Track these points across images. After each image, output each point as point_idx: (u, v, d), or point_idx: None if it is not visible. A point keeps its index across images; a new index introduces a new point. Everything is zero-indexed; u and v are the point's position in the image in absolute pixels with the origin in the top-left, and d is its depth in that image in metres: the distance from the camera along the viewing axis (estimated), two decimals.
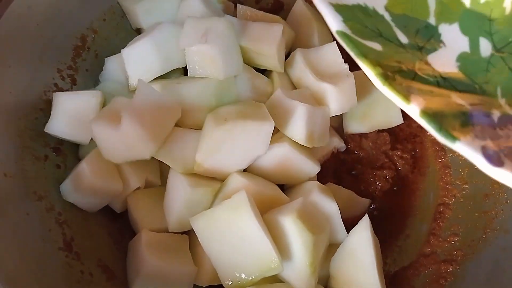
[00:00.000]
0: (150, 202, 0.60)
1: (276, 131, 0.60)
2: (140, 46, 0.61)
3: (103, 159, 0.57)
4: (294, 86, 0.69)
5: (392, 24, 0.45)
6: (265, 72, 0.68)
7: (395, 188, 0.71)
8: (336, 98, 0.64)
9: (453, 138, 0.36)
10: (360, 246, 0.55)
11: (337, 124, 0.72)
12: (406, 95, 0.37)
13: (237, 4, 0.72)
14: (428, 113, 0.36)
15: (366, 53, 0.39)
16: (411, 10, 0.48)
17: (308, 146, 0.61)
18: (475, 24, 0.49)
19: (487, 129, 0.38)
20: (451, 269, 0.62)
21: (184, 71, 0.64)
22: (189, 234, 0.59)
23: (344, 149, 0.71)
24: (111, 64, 0.66)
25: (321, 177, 0.65)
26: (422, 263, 0.65)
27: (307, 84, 0.66)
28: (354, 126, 0.71)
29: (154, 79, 0.62)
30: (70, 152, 0.62)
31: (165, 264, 0.54)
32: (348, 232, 0.58)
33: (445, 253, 0.64)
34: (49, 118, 0.60)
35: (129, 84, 0.63)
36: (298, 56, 0.67)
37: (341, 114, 0.69)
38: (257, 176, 0.60)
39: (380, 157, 0.71)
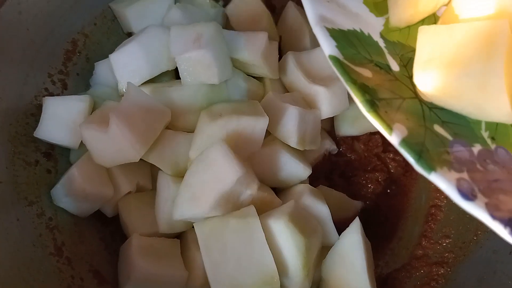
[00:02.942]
0: (141, 206, 0.59)
1: (267, 134, 0.60)
2: (128, 50, 0.61)
3: (94, 163, 0.57)
4: (286, 90, 0.69)
5: (385, 51, 0.46)
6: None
7: (387, 191, 0.71)
8: (328, 101, 0.64)
9: (429, 169, 0.36)
10: (351, 249, 0.55)
11: (329, 126, 0.72)
12: (389, 124, 0.38)
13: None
14: (408, 143, 0.37)
15: (355, 79, 0.40)
16: (406, 38, 0.48)
17: (300, 149, 0.61)
18: None
19: (466, 162, 0.39)
20: (442, 271, 0.62)
21: (175, 74, 0.64)
22: (181, 238, 0.59)
23: (336, 151, 0.71)
24: (101, 68, 0.66)
25: (313, 180, 0.65)
26: (414, 265, 0.65)
27: (299, 87, 0.66)
28: (346, 129, 0.71)
29: (145, 82, 0.62)
30: (61, 157, 0.62)
31: (156, 268, 0.54)
32: (340, 235, 0.58)
33: (436, 255, 0.64)
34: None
35: (119, 89, 0.63)
36: (289, 59, 0.67)
37: (333, 116, 0.69)
38: None
39: (372, 159, 0.71)
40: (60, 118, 0.59)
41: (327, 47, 0.41)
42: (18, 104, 0.59)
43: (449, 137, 0.41)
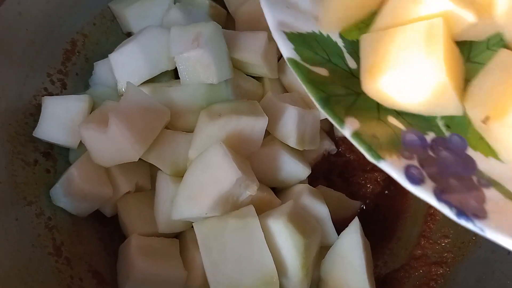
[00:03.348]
0: (140, 206, 0.59)
1: (267, 134, 0.60)
2: (127, 50, 0.61)
3: (93, 163, 0.57)
4: (285, 90, 0.69)
5: (344, 50, 0.48)
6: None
7: (386, 191, 0.71)
8: None
9: (379, 158, 0.38)
10: (350, 249, 0.55)
11: (328, 127, 0.72)
12: (342, 118, 0.40)
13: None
14: (359, 135, 0.39)
15: (312, 79, 0.42)
16: None
17: (299, 149, 0.61)
18: None
19: (417, 149, 0.40)
20: (441, 271, 0.62)
21: (175, 74, 0.64)
22: (180, 238, 0.59)
23: (335, 151, 0.71)
24: (100, 68, 0.66)
25: (312, 180, 0.65)
26: (413, 265, 0.65)
27: (298, 87, 0.66)
28: None
29: (144, 82, 0.62)
30: (60, 157, 0.62)
31: (155, 268, 0.54)
32: (339, 234, 0.58)
33: (435, 255, 0.64)
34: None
35: (118, 89, 0.63)
36: None
37: None
38: None
39: None
40: (59, 118, 0.59)
41: (285, 50, 0.43)
42: (17, 104, 0.59)
43: (403, 127, 0.42)
